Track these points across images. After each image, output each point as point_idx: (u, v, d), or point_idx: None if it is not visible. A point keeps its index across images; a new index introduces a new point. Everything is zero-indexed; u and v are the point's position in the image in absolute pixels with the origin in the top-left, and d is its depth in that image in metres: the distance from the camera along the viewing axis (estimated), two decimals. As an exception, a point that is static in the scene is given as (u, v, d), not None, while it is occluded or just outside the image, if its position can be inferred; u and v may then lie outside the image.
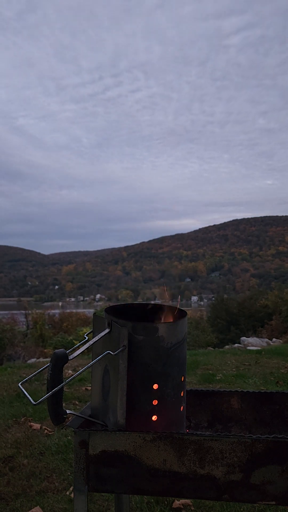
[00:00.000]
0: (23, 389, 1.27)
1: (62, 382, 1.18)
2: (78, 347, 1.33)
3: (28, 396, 1.21)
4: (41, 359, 10.08)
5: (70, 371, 5.53)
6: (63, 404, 1.23)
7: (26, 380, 1.37)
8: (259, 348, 8.94)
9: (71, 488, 2.48)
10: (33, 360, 10.62)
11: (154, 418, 1.25)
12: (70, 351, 1.28)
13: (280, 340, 12.37)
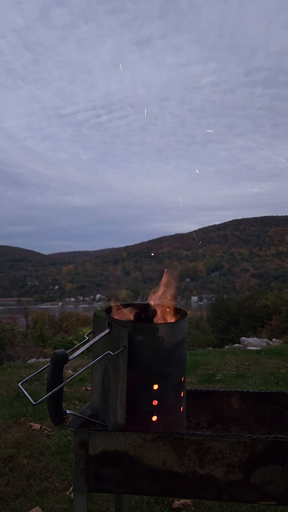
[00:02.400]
0: (23, 389, 1.27)
1: (62, 382, 1.18)
2: (78, 347, 1.33)
3: (28, 396, 1.21)
4: (41, 359, 10.08)
5: (70, 371, 5.53)
6: (63, 404, 1.23)
7: (26, 380, 1.37)
8: (259, 348, 8.94)
9: (71, 488, 2.48)
10: (33, 360, 10.61)
11: (154, 418, 1.25)
12: (70, 351, 1.28)
13: (280, 340, 12.35)
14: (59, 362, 1.18)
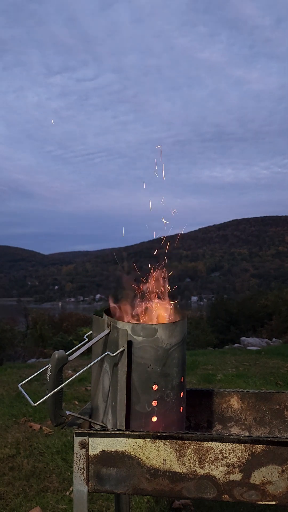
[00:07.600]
0: (22, 391, 1.27)
1: (62, 383, 1.18)
2: (78, 348, 1.33)
3: (28, 397, 1.21)
4: (41, 359, 10.07)
5: (70, 371, 5.53)
6: (63, 404, 1.23)
7: (26, 381, 1.37)
8: (259, 348, 8.94)
9: (71, 488, 2.48)
10: (33, 360, 10.61)
11: (154, 419, 1.25)
12: (70, 352, 1.28)
13: (280, 340, 12.35)
14: (59, 363, 1.18)
